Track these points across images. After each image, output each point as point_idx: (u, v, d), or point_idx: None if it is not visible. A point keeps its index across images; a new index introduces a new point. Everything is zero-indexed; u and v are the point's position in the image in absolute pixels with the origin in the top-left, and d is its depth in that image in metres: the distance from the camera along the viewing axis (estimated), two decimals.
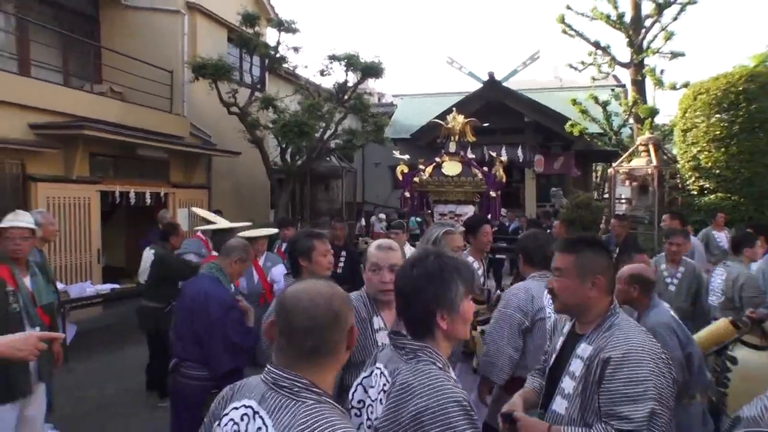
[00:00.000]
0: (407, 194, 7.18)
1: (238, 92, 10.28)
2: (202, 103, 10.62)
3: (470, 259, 3.72)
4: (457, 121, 7.29)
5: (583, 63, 11.31)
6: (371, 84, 14.56)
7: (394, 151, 8.27)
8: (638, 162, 8.81)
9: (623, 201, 9.33)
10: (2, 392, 3.16)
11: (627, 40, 10.36)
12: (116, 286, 7.29)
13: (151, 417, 4.62)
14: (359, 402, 1.54)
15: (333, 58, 10.58)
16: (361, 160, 17.84)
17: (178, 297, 4.96)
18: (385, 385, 1.43)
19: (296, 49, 10.73)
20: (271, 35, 11.31)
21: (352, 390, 1.58)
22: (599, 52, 10.85)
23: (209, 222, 5.19)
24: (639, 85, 10.69)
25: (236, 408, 1.20)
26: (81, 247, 8.06)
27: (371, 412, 1.47)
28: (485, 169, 7.17)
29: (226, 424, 1.19)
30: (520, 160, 15.48)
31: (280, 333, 1.19)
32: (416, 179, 7.11)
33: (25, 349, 1.99)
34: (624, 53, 11.26)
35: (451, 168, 7.04)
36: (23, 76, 7.84)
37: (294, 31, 10.52)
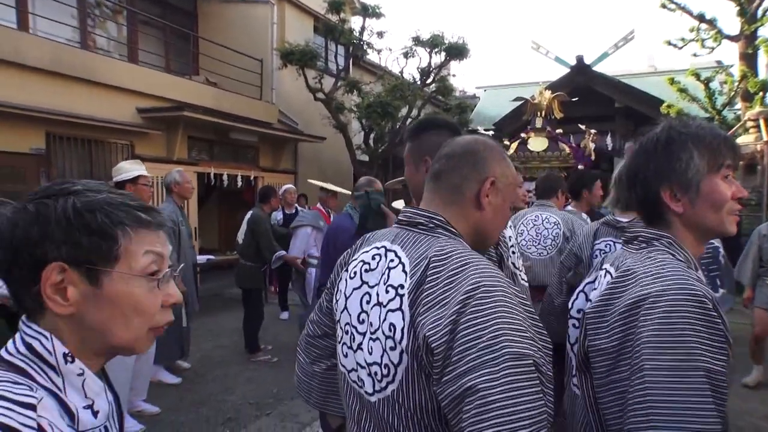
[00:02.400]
0: None
1: (324, 78, 10.57)
2: (289, 90, 11.03)
3: (584, 215, 3.62)
4: (544, 96, 7.07)
5: (683, 40, 10.55)
6: (451, 80, 14.41)
7: (478, 128, 8.15)
8: (745, 139, 8.10)
9: None
10: None
11: (738, 9, 9.53)
12: (212, 257, 7.78)
13: (245, 369, 4.89)
14: (578, 312, 1.32)
15: (417, 40, 10.61)
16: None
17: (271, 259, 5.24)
18: (609, 283, 1.17)
19: (380, 34, 10.88)
20: (355, 22, 11.53)
21: (573, 299, 1.37)
22: (703, 26, 10.07)
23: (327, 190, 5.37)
24: (749, 60, 9.80)
25: (366, 252, 1.18)
26: None
27: None
28: (572, 143, 6.89)
29: (355, 267, 1.18)
30: (609, 149, 14.68)
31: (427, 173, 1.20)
32: None
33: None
34: (731, 26, 10.36)
35: (538, 144, 6.85)
36: (132, 63, 8.52)
37: (378, 15, 10.67)
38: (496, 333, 0.88)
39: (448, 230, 1.10)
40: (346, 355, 1.16)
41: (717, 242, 2.46)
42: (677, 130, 1.14)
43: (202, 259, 7.29)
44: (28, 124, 6.44)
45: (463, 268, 0.97)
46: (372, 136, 11.14)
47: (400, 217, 1.16)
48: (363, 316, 1.11)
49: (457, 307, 0.92)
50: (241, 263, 5.30)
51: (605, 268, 1.22)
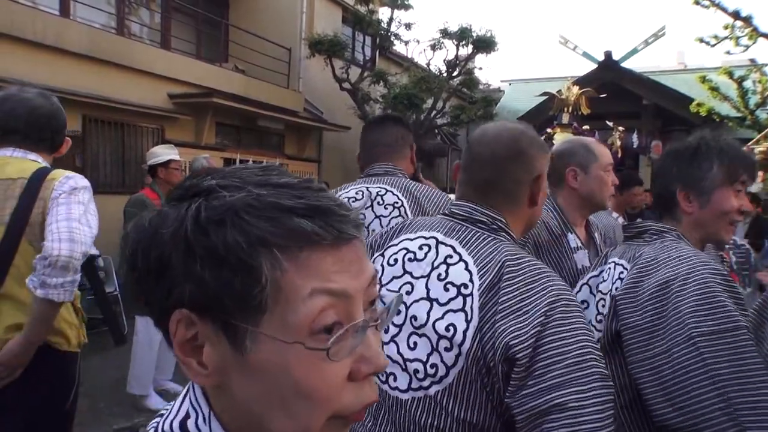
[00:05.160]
0: None
1: (350, 68, 10.63)
2: (316, 80, 11.12)
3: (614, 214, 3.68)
4: (571, 92, 7.04)
5: (716, 37, 10.33)
6: (477, 73, 14.30)
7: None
8: None
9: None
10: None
11: None
12: None
13: None
14: (582, 302, 1.37)
15: (445, 32, 10.60)
16: (465, 144, 17.68)
17: None
18: (621, 273, 1.26)
19: (408, 26, 10.89)
20: (383, 13, 11.54)
21: (575, 291, 1.40)
22: (738, 23, 9.85)
23: None
24: None
25: (410, 239, 1.11)
26: None
27: (602, 305, 1.30)
28: (599, 139, 6.85)
29: (396, 253, 1.10)
30: (635, 146, 14.48)
31: (463, 169, 1.14)
32: None
33: None
34: (767, 23, 10.10)
35: (563, 139, 6.82)
36: (165, 50, 8.69)
37: (407, 7, 10.67)
38: (583, 350, 0.89)
39: (510, 234, 1.09)
40: None
41: (746, 244, 2.55)
42: (707, 142, 1.28)
43: None
44: (66, 107, 6.45)
45: (539, 277, 0.96)
46: None
47: (454, 210, 1.11)
48: (401, 307, 1.05)
49: (541, 318, 0.90)
50: None
51: (613, 261, 1.33)
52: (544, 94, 8.36)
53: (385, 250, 1.14)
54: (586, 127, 7.11)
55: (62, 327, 1.69)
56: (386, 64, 12.71)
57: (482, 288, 0.97)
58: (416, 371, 1.00)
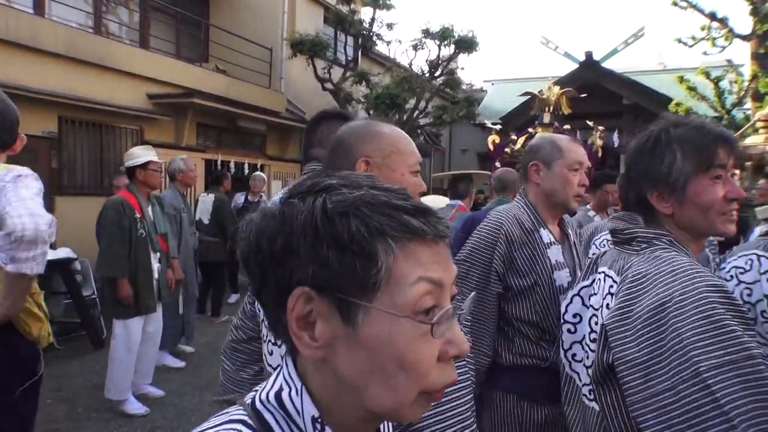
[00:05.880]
0: (498, 165, 7.10)
1: (333, 68, 10.58)
2: (298, 80, 11.06)
3: (591, 213, 3.71)
4: (552, 92, 7.09)
5: (694, 38, 10.51)
6: (459, 73, 14.35)
7: (486, 121, 8.18)
8: (755, 140, 8.10)
9: None
10: (134, 307, 3.63)
11: (750, 8, 9.48)
12: None
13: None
14: (575, 316, 1.33)
15: (426, 32, 10.61)
16: (448, 145, 17.75)
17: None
18: (611, 286, 1.16)
19: (390, 26, 10.88)
20: (365, 13, 11.53)
21: (566, 302, 1.36)
22: (714, 24, 10.03)
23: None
24: (760, 60, 9.76)
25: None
26: None
27: (595, 323, 1.23)
28: (580, 139, 6.91)
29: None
30: (616, 146, 14.67)
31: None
32: (507, 150, 7.01)
33: None
34: (742, 25, 10.32)
35: None
36: (143, 49, 8.56)
37: (389, 7, 10.67)
38: None
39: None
40: (271, 353, 1.14)
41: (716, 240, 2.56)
42: (666, 130, 1.12)
43: None
44: (41, 108, 6.51)
45: None
46: None
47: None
48: None
49: None
50: (204, 240, 5.75)
51: (603, 272, 1.21)
52: (526, 94, 8.42)
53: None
54: (567, 126, 7.18)
55: (22, 315, 1.72)
56: (368, 65, 12.69)
57: None
58: None
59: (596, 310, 1.22)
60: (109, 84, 7.35)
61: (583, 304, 1.29)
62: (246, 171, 9.59)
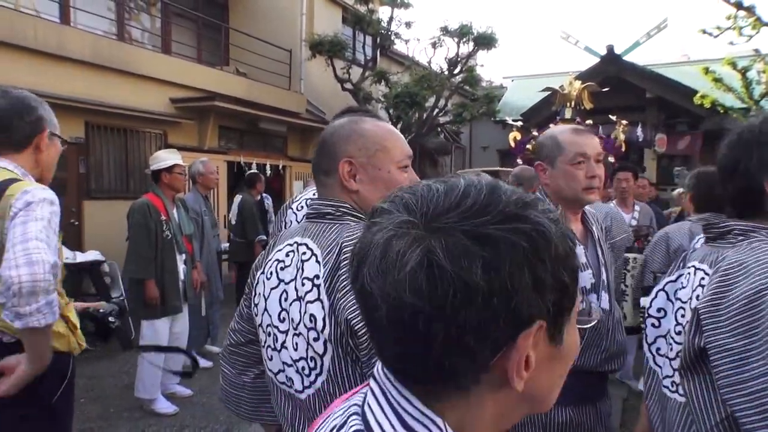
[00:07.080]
0: (520, 161, 7.03)
1: (352, 68, 10.62)
2: (318, 81, 11.12)
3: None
4: (573, 86, 6.99)
5: (719, 28, 10.25)
6: (479, 70, 14.28)
7: (506, 118, 8.11)
8: None
9: None
10: (161, 308, 3.69)
11: None
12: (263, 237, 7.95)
13: None
14: (659, 311, 1.32)
15: (445, 30, 10.58)
16: (468, 142, 17.66)
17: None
18: (702, 279, 1.16)
19: (408, 24, 10.88)
20: (383, 12, 11.54)
21: (650, 297, 1.35)
22: (741, 13, 9.77)
23: None
24: None
25: (280, 250, 1.17)
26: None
27: (681, 315, 1.22)
28: (602, 134, 6.82)
29: (270, 267, 1.17)
30: (639, 140, 14.40)
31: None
32: (529, 146, 6.94)
33: None
34: None
35: None
36: (166, 54, 8.71)
37: (407, 6, 10.67)
38: None
39: (357, 216, 1.11)
40: (271, 358, 1.16)
41: None
42: None
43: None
44: (69, 114, 6.66)
45: None
46: (399, 126, 11.16)
47: (308, 211, 1.18)
48: (283, 314, 1.11)
49: None
50: (233, 240, 5.92)
51: (693, 266, 1.21)
52: (547, 89, 8.31)
53: (264, 266, 1.21)
54: (589, 121, 7.06)
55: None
56: (387, 64, 12.70)
57: (325, 274, 1.03)
58: (303, 369, 1.06)
59: (684, 303, 1.22)
60: (133, 89, 7.50)
61: (668, 298, 1.29)
62: (268, 172, 9.68)
